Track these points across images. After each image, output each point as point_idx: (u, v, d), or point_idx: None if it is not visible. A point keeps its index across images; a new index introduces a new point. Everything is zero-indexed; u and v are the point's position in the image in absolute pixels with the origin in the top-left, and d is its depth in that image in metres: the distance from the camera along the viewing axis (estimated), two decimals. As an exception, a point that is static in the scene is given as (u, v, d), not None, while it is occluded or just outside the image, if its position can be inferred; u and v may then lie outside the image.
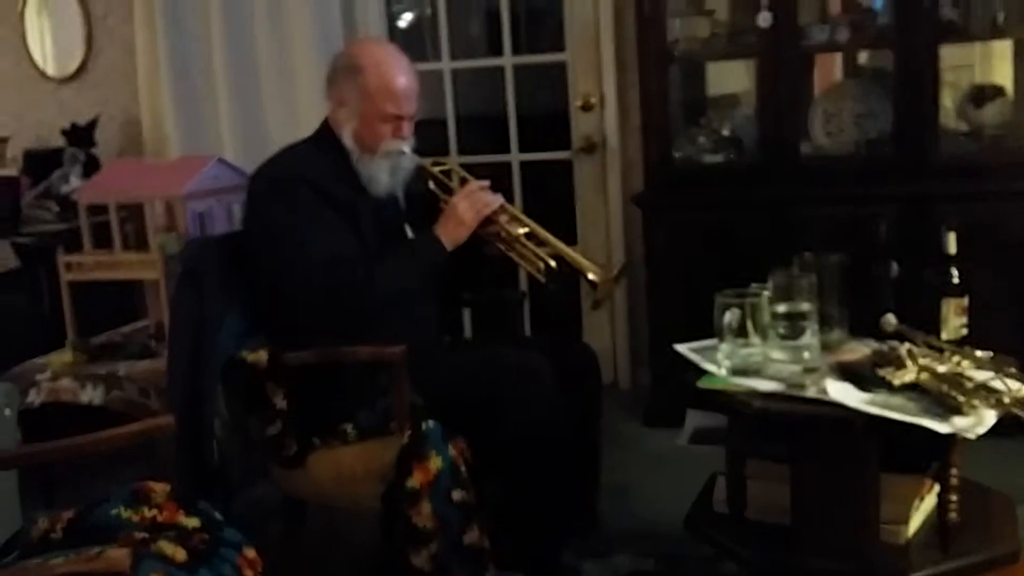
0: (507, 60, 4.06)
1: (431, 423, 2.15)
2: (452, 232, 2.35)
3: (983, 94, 3.32)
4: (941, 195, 3.13)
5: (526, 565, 2.32)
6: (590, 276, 2.32)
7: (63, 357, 2.98)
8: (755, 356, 1.92)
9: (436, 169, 2.53)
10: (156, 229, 3.08)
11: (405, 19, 4.42)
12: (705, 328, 3.37)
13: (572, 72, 3.97)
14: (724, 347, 1.94)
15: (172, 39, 4.05)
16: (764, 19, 3.23)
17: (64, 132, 4.18)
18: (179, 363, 2.34)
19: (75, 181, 4.02)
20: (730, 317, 1.89)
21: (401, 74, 2.40)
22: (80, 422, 2.87)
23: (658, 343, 3.62)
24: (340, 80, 2.42)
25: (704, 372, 2.03)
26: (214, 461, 2.34)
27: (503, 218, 2.40)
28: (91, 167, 4.09)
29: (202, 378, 2.31)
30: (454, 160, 2.60)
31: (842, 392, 1.80)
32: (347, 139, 2.40)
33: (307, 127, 3.96)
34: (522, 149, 4.11)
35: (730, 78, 3.97)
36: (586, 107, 3.96)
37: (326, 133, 2.47)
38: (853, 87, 3.56)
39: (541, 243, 2.38)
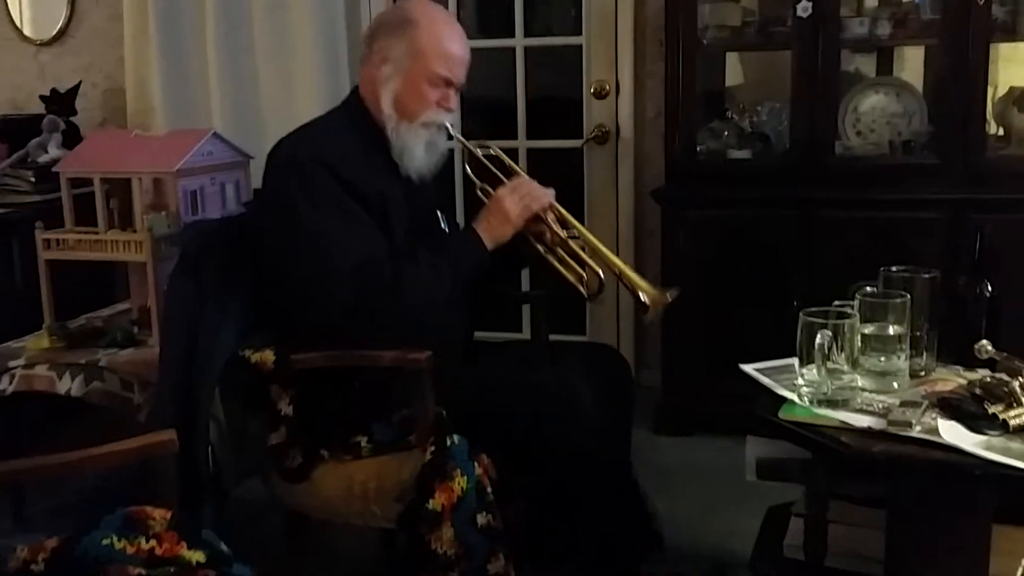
0: (518, 41, 3.84)
1: (456, 438, 1.95)
2: (495, 230, 2.12)
3: (1030, 98, 3.14)
4: (984, 201, 2.97)
5: None
6: (643, 297, 2.09)
7: (39, 342, 2.74)
8: (841, 384, 1.71)
9: (480, 152, 2.27)
10: (143, 207, 2.83)
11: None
12: (722, 332, 3.26)
13: (587, 57, 3.77)
14: (808, 373, 1.73)
15: (162, 3, 3.80)
16: (804, 8, 3.04)
17: (43, 98, 3.93)
18: (173, 361, 2.11)
19: (54, 150, 3.77)
20: (821, 340, 1.67)
21: (456, 37, 2.17)
22: (56, 412, 2.65)
23: (671, 345, 3.45)
24: (385, 35, 2.16)
25: (775, 397, 1.82)
26: (208, 469, 2.12)
27: (550, 217, 2.17)
28: (71, 136, 3.85)
29: (199, 378, 2.08)
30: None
31: (955, 433, 1.60)
32: (386, 103, 2.14)
33: (303, 101, 3.80)
34: (530, 136, 3.89)
35: (753, 69, 3.78)
36: (600, 95, 3.76)
37: (356, 106, 2.22)
38: (884, 84, 3.38)
39: (589, 252, 2.16)
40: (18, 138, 3.84)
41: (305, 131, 2.21)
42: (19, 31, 4.23)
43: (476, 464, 1.96)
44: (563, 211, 2.20)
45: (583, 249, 2.18)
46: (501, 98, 3.94)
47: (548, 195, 2.17)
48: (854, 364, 1.70)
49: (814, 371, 1.70)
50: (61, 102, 3.93)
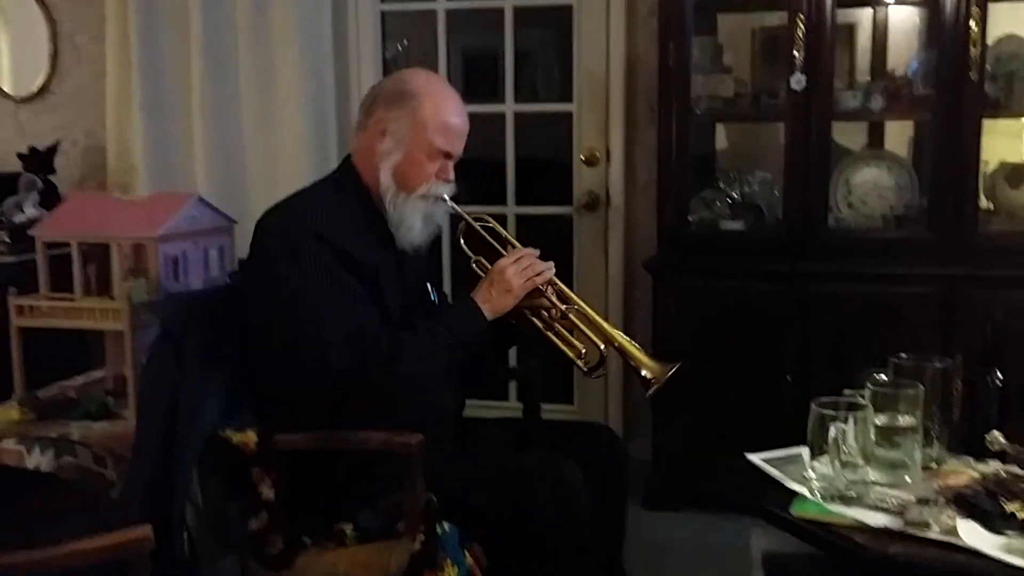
0: (508, 107, 3.81)
1: (447, 526, 1.86)
2: (496, 301, 2.05)
3: (1021, 173, 3.12)
4: (982, 278, 2.93)
5: None
6: (644, 373, 2.04)
7: (8, 414, 2.61)
8: (854, 478, 1.63)
9: (477, 224, 2.22)
10: (123, 273, 2.74)
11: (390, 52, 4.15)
12: (713, 404, 3.20)
13: (577, 124, 3.74)
14: (820, 466, 1.65)
15: (146, 61, 3.76)
16: (798, 81, 3.02)
17: (21, 156, 3.84)
18: (150, 441, 2.01)
19: (30, 210, 3.69)
20: (835, 433, 1.59)
21: (456, 109, 2.14)
22: (25, 488, 2.53)
23: (661, 417, 3.36)
24: (385, 106, 2.11)
25: (783, 489, 1.74)
26: (184, 555, 2.01)
27: (550, 291, 2.12)
28: (49, 196, 3.76)
29: (176, 459, 1.98)
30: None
31: (974, 536, 1.53)
32: (385, 175, 2.09)
33: (289, 166, 3.74)
34: (519, 202, 3.84)
35: (743, 138, 3.76)
36: (590, 162, 3.72)
37: (349, 175, 2.17)
38: (876, 158, 3.36)
39: (588, 326, 2.10)
40: (-8, 196, 3.76)
41: (294, 200, 2.15)
42: (-3, 88, 4.17)
43: (467, 553, 1.87)
44: (562, 286, 2.16)
45: (583, 324, 2.13)
46: (490, 163, 3.89)
47: (550, 268, 2.12)
48: (867, 458, 1.63)
49: (826, 464, 1.63)
50: (39, 160, 3.85)
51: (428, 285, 2.27)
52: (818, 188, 3.13)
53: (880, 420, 1.68)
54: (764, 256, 3.18)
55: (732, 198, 3.40)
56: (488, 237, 2.21)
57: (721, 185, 3.43)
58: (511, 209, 3.83)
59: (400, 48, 4.51)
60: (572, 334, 2.13)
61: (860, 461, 1.61)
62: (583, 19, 3.66)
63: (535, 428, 2.41)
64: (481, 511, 1.92)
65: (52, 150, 3.89)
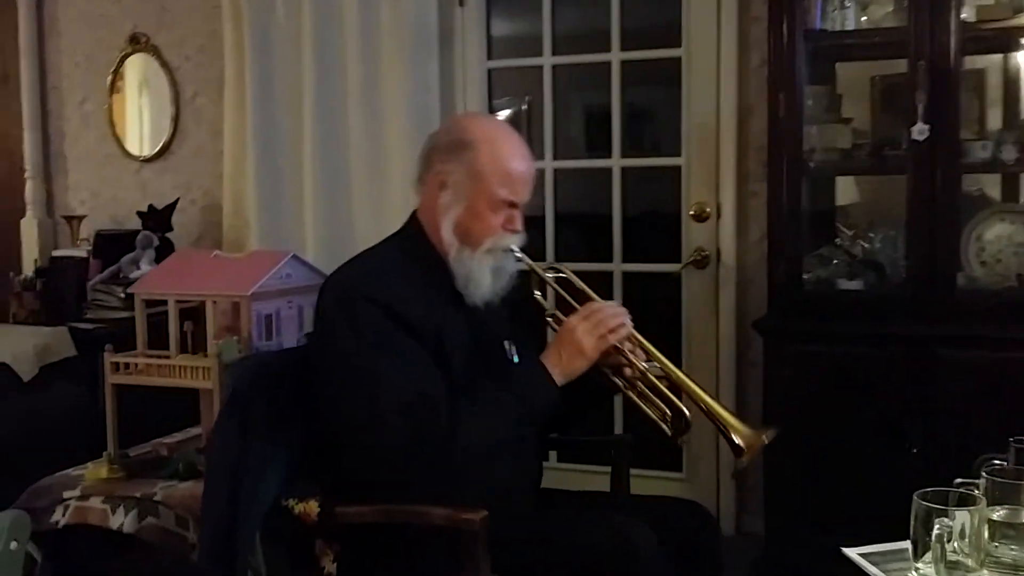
0: (615, 162, 3.70)
1: (512, 611, 1.73)
2: (567, 364, 1.90)
3: None
4: None
5: None
6: (735, 439, 1.85)
7: (98, 472, 2.63)
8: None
9: (550, 276, 2.09)
10: (217, 331, 2.74)
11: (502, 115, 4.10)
12: (829, 478, 2.98)
13: (687, 178, 3.60)
14: (924, 567, 1.42)
15: (261, 123, 3.83)
16: (920, 131, 2.81)
17: (140, 214, 3.95)
18: (214, 505, 1.96)
19: (145, 266, 3.77)
20: (940, 531, 1.37)
21: (518, 154, 2.01)
22: (108, 549, 2.53)
23: (773, 490, 3.14)
24: (443, 158, 2.00)
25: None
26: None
27: (627, 346, 1.96)
28: (165, 252, 3.84)
29: (240, 525, 1.92)
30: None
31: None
32: (446, 230, 1.98)
33: (396, 225, 3.71)
34: (626, 259, 3.71)
35: (865, 191, 3.54)
36: (700, 217, 3.57)
37: (413, 231, 2.08)
38: (1011, 211, 3.09)
39: (671, 384, 1.94)
40: (112, 253, 3.86)
41: (358, 264, 2.08)
42: (123, 148, 4.31)
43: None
44: (642, 339, 1.98)
45: (666, 384, 1.96)
46: (597, 218, 3.78)
47: (626, 323, 1.95)
48: (982, 562, 1.41)
49: (931, 567, 1.41)
50: (158, 218, 3.95)
51: (506, 344, 2.13)
52: (946, 245, 2.89)
53: (997, 515, 1.46)
54: (886, 318, 2.95)
55: (851, 255, 3.18)
56: (561, 290, 2.08)
57: (838, 242, 3.22)
58: (617, 266, 3.71)
59: (524, 106, 4.47)
60: (656, 394, 1.96)
61: (971, 563, 1.39)
62: (692, 70, 3.54)
63: (620, 503, 2.25)
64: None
65: (170, 208, 3.98)
